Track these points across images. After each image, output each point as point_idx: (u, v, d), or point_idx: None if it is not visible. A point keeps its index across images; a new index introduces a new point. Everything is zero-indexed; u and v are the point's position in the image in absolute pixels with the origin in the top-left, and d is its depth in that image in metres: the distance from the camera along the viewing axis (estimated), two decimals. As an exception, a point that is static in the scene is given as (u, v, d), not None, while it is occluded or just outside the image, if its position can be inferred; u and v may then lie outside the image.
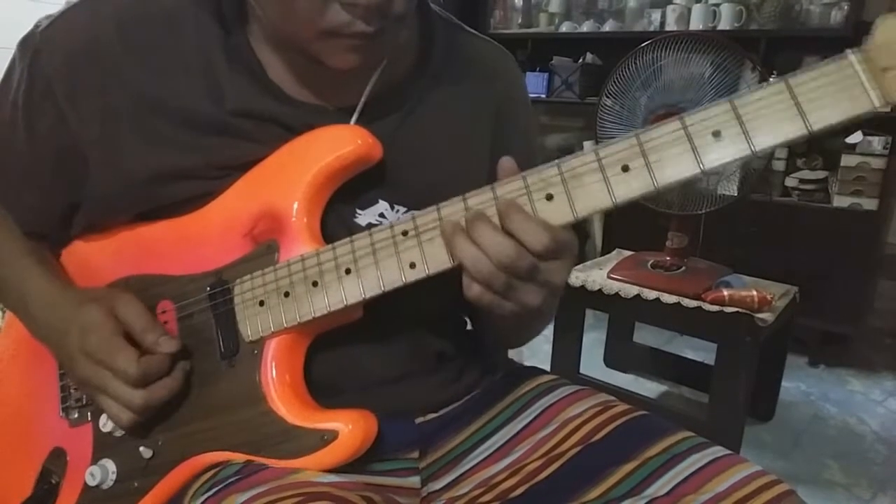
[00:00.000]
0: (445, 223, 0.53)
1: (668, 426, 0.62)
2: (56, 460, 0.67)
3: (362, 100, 0.62)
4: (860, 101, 0.44)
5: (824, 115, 0.44)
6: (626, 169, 0.49)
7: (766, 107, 0.46)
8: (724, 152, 0.47)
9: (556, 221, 0.51)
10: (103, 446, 0.64)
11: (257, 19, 0.60)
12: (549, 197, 0.51)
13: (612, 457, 0.60)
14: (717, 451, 0.59)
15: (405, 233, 0.54)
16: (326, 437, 0.56)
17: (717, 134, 0.47)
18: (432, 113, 0.66)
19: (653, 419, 0.64)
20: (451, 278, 0.53)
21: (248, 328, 0.59)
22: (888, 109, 0.44)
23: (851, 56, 0.44)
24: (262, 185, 0.60)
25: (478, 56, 0.71)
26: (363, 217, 0.63)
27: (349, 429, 0.56)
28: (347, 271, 0.56)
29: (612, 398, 0.68)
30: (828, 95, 0.44)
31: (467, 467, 0.66)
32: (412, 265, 0.54)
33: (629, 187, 0.49)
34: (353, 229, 0.61)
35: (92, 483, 0.63)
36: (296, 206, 0.59)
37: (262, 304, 0.59)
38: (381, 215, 0.63)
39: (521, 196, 0.52)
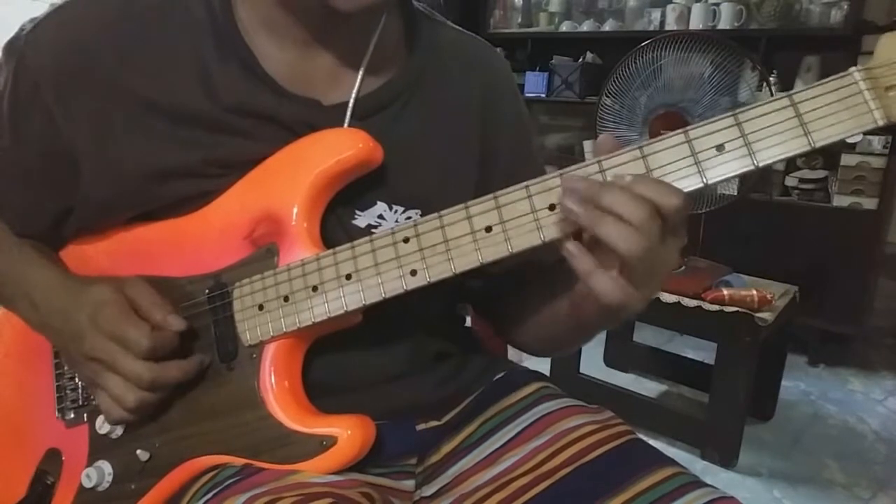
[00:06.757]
0: (566, 195, 0.49)
1: (658, 458, 0.60)
2: (51, 461, 0.67)
3: (353, 94, 0.61)
4: (863, 119, 0.44)
5: (827, 132, 0.45)
6: None
7: (770, 122, 0.46)
8: (727, 166, 0.47)
9: (558, 232, 0.50)
10: (99, 448, 0.64)
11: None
12: (552, 207, 0.50)
13: (600, 487, 0.57)
14: (709, 492, 0.55)
15: (406, 239, 0.54)
16: (325, 443, 0.56)
17: (720, 147, 0.47)
18: (422, 107, 0.65)
19: (644, 447, 0.62)
20: (450, 281, 0.53)
21: (248, 332, 0.59)
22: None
23: (856, 74, 0.44)
24: (262, 187, 0.60)
25: (459, 49, 0.71)
26: (362, 219, 0.62)
27: (348, 434, 0.56)
28: (348, 277, 0.56)
29: (608, 413, 0.66)
30: (831, 112, 0.45)
31: (456, 475, 0.65)
32: (413, 272, 0.54)
33: None
34: (352, 231, 0.61)
35: (88, 485, 0.62)
36: (296, 210, 0.58)
37: (261, 308, 0.59)
38: (381, 216, 0.63)
39: (523, 205, 0.51)
